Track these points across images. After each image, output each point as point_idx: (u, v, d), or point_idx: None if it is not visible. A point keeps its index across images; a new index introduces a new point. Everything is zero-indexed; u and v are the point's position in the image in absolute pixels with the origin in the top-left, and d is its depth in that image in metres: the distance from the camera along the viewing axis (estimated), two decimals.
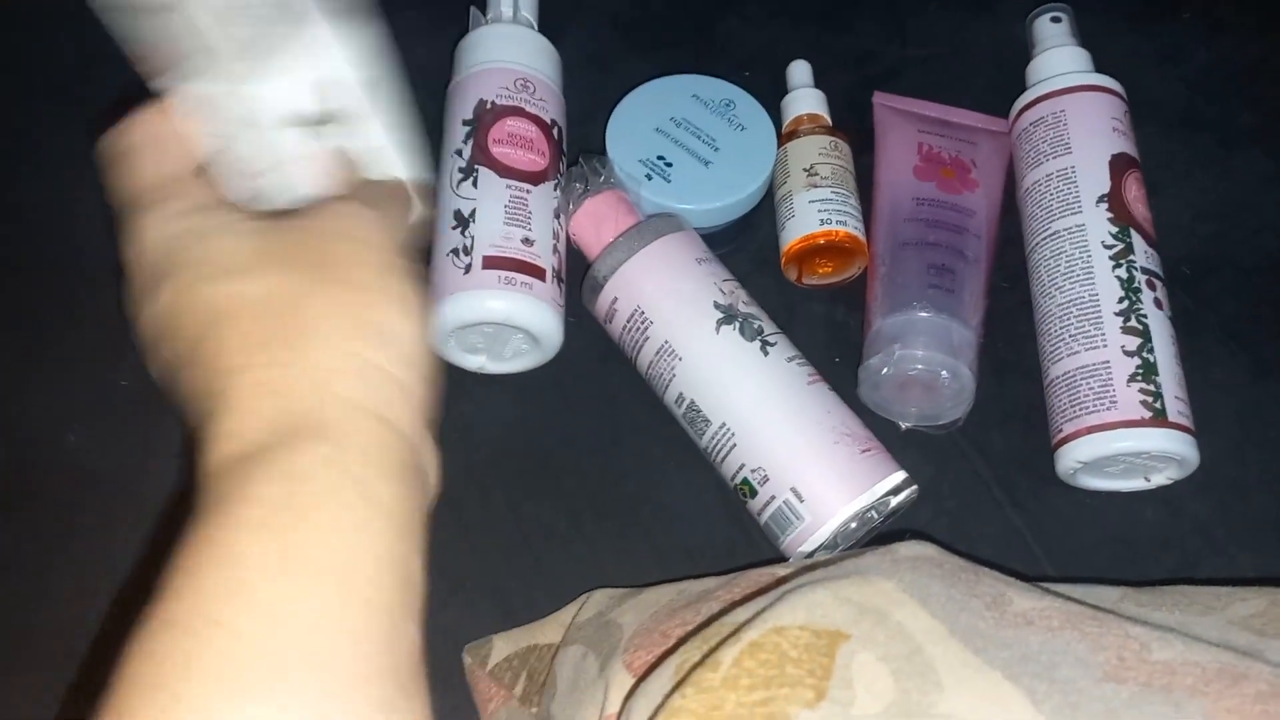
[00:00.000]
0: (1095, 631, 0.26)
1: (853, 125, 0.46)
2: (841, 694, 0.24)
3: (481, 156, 0.40)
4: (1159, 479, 0.38)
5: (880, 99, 0.47)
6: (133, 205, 0.28)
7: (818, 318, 0.43)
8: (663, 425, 0.40)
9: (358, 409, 0.23)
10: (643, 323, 0.38)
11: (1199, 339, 0.42)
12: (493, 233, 0.38)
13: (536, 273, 0.38)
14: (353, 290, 0.25)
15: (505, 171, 0.40)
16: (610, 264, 0.39)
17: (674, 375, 0.37)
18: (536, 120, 0.42)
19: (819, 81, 0.47)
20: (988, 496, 0.40)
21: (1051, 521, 0.39)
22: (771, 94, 0.47)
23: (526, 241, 0.38)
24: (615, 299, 0.39)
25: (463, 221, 0.39)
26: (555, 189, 0.41)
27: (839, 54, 0.50)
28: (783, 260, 0.43)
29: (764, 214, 0.45)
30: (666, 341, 0.37)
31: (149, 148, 0.28)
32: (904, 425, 0.40)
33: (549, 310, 0.38)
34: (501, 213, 0.39)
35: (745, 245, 0.45)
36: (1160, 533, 0.39)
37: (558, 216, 0.41)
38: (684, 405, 0.37)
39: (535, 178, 0.40)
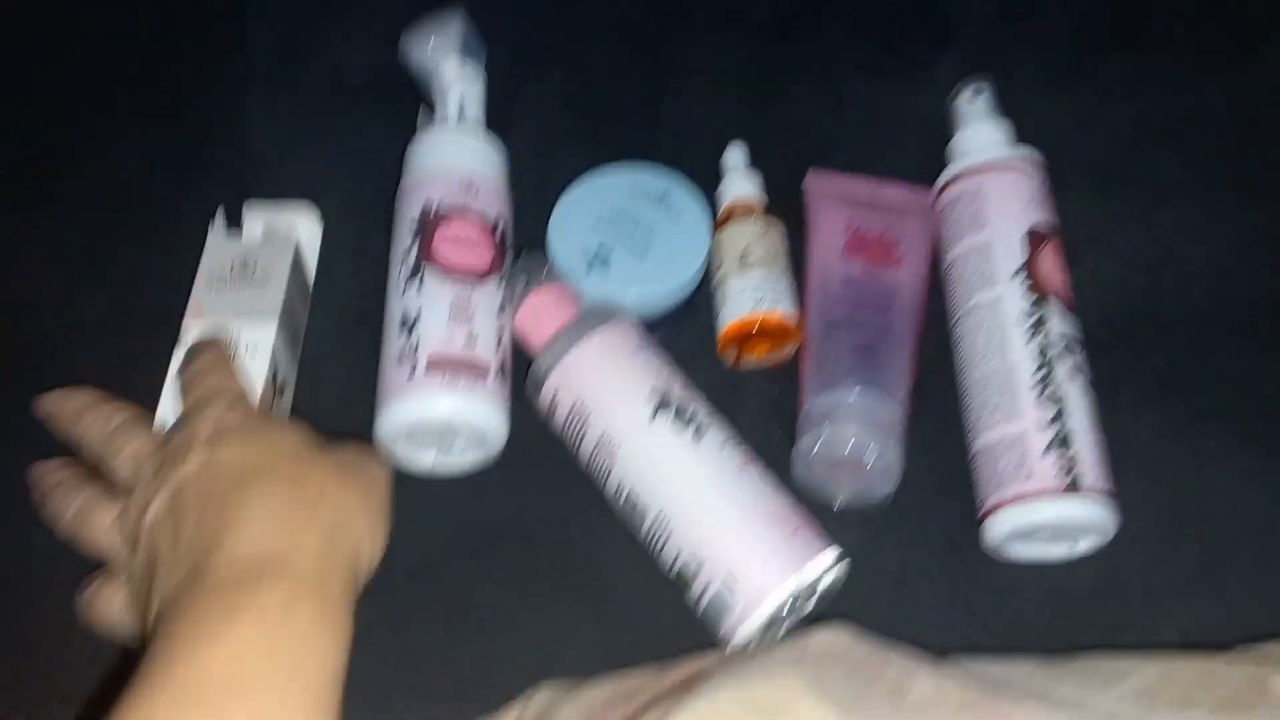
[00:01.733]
0: (987, 715, 0.28)
1: (785, 201, 0.48)
2: None
3: (426, 258, 0.42)
4: (1085, 544, 0.40)
5: (813, 180, 0.49)
6: None
7: (758, 397, 0.45)
8: (608, 512, 0.41)
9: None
10: (582, 415, 0.40)
11: (1131, 392, 0.43)
12: (436, 334, 0.40)
13: (479, 371, 0.40)
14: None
15: (449, 271, 0.42)
16: (550, 358, 0.41)
17: (612, 466, 0.39)
18: (480, 220, 0.44)
19: (756, 154, 0.50)
20: (922, 569, 0.41)
21: (983, 591, 0.40)
22: (713, 169, 0.49)
23: (469, 340, 0.41)
24: (556, 392, 0.41)
25: (408, 325, 0.41)
26: (499, 284, 0.43)
27: (776, 124, 0.52)
28: (720, 343, 0.45)
29: (706, 296, 0.47)
30: (604, 433, 0.39)
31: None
32: (839, 502, 0.42)
33: (492, 407, 0.40)
34: (445, 313, 0.41)
35: (688, 328, 0.47)
36: (1091, 596, 0.40)
37: (502, 311, 0.43)
38: (623, 495, 0.39)
39: (479, 276, 0.43)
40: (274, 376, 0.42)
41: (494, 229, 0.44)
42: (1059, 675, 0.32)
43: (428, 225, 0.43)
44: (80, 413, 0.36)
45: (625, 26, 0.57)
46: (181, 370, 0.38)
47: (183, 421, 0.35)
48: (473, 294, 0.42)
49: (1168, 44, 0.54)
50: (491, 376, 0.41)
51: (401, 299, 0.42)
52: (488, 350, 0.41)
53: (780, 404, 0.44)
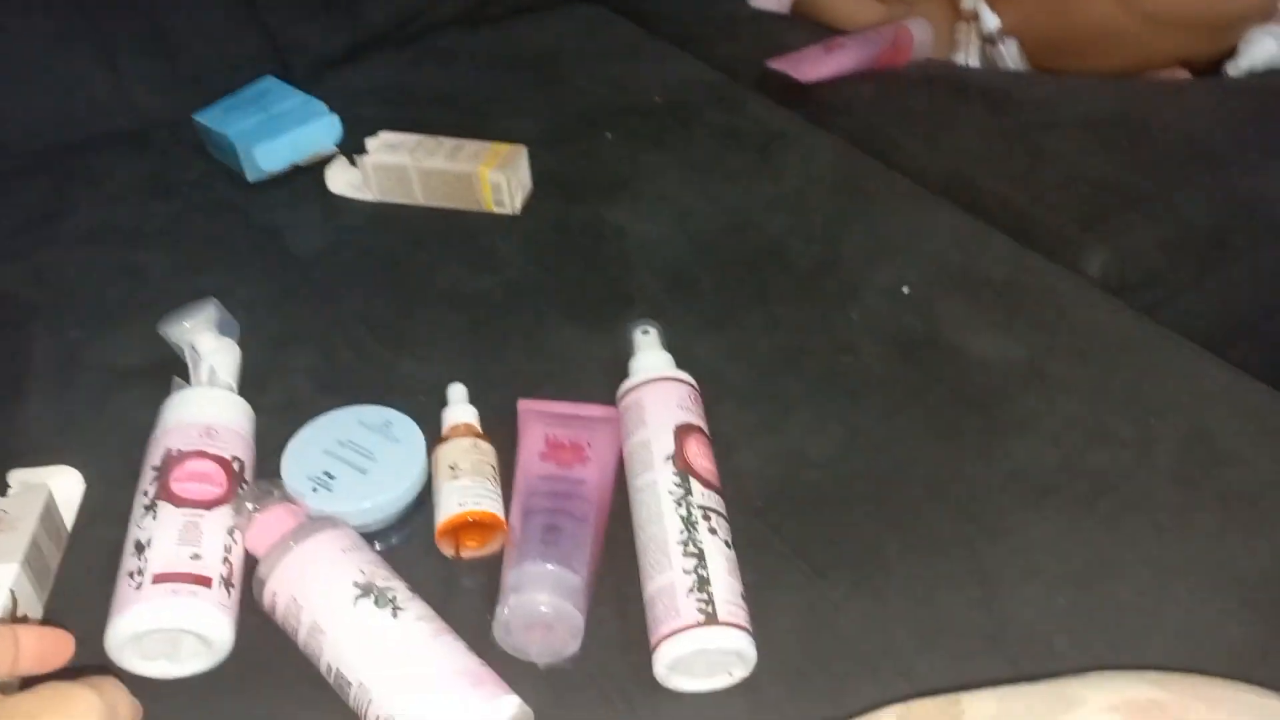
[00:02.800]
0: None
1: (503, 428, 0.58)
2: None
3: (163, 494, 0.49)
4: (738, 673, 0.47)
5: (522, 404, 0.60)
6: None
7: (475, 586, 0.52)
8: (328, 700, 0.46)
9: None
10: (296, 608, 0.46)
11: (770, 555, 0.53)
12: (165, 554, 0.46)
13: (202, 581, 0.46)
14: None
15: (181, 503, 0.49)
16: (270, 563, 0.47)
17: (323, 649, 0.45)
18: (217, 459, 0.51)
19: (479, 397, 0.60)
20: (611, 711, 0.47)
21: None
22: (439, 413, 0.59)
23: (195, 557, 0.47)
24: (275, 593, 0.46)
25: (140, 548, 0.47)
26: (231, 511, 0.50)
27: (496, 375, 0.63)
28: (436, 539, 0.52)
29: (429, 505, 0.55)
30: (315, 620, 0.45)
31: None
32: (542, 663, 0.48)
33: (213, 612, 0.46)
34: (175, 536, 0.47)
35: (416, 533, 0.54)
36: (745, 718, 0.46)
37: (231, 533, 0.49)
38: (332, 674, 0.44)
39: (210, 504, 0.49)
40: (14, 610, 0.45)
41: (230, 465, 0.52)
42: None
43: (166, 466, 0.50)
44: None
45: (365, 317, 0.69)
46: None
47: None
48: (202, 520, 0.48)
49: (788, 298, 0.70)
50: (215, 587, 0.46)
51: (137, 528, 0.48)
52: (213, 566, 0.47)
53: (491, 586, 0.51)
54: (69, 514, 0.53)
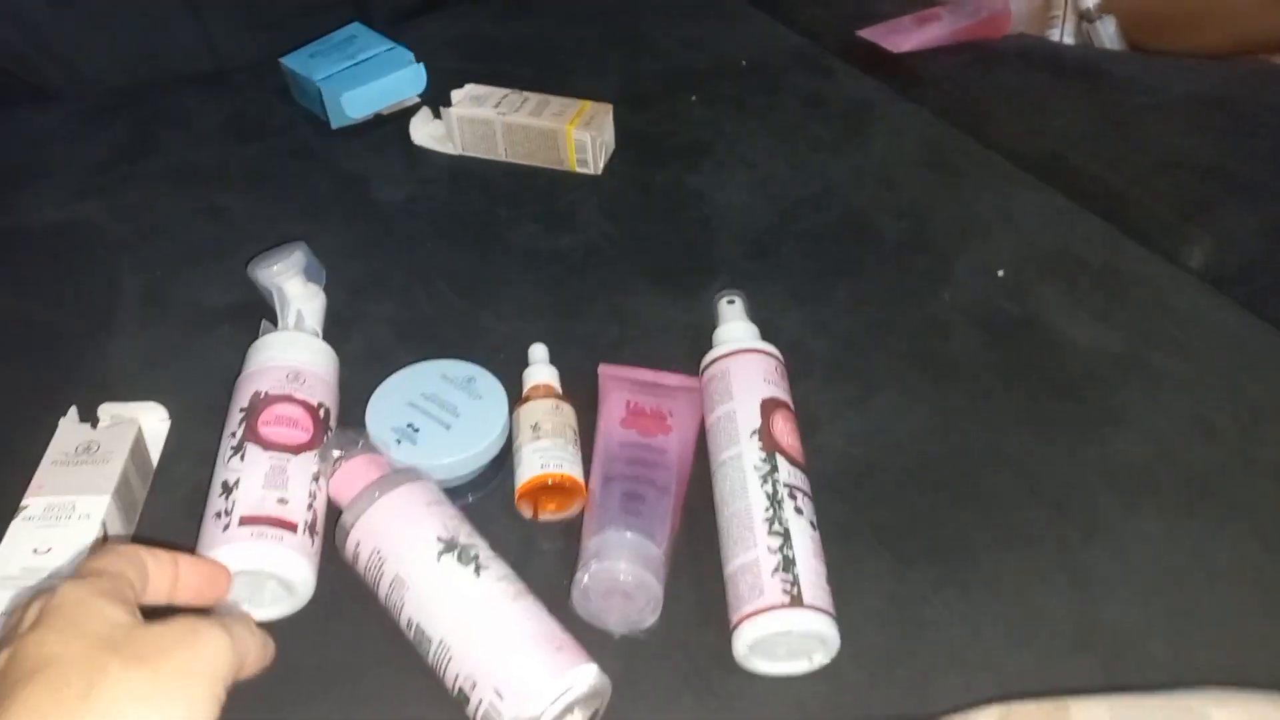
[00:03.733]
0: None
1: (582, 391, 0.57)
2: None
3: (250, 436, 0.49)
4: (819, 659, 0.46)
5: (603, 369, 0.59)
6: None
7: (552, 550, 0.52)
8: (404, 655, 0.46)
9: None
10: (379, 560, 0.45)
11: (853, 538, 0.51)
12: (251, 496, 0.46)
13: (288, 526, 0.46)
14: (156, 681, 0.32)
15: (269, 446, 0.48)
16: (355, 513, 0.47)
17: (404, 602, 0.44)
18: (304, 404, 0.51)
19: (558, 358, 0.59)
20: (686, 688, 0.46)
21: (740, 704, 0.46)
22: (520, 369, 0.58)
23: (281, 501, 0.47)
24: (359, 542, 0.46)
25: (228, 489, 0.47)
26: (316, 457, 0.50)
27: (574, 336, 0.62)
28: (516, 500, 0.52)
29: (509, 464, 0.54)
30: (398, 573, 0.45)
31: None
32: (618, 632, 0.48)
33: (297, 557, 0.46)
34: (261, 479, 0.47)
35: (494, 492, 0.54)
36: (825, 705, 0.45)
37: (316, 479, 0.49)
38: (413, 629, 0.44)
39: (297, 449, 0.49)
40: (104, 540, 0.46)
41: (316, 412, 0.52)
42: None
43: (254, 408, 0.50)
44: None
45: (445, 269, 0.68)
46: None
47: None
48: (289, 465, 0.48)
49: (875, 273, 0.68)
50: (300, 532, 0.46)
51: (225, 468, 0.48)
52: (298, 511, 0.47)
53: (568, 551, 0.51)
54: (155, 450, 0.54)
